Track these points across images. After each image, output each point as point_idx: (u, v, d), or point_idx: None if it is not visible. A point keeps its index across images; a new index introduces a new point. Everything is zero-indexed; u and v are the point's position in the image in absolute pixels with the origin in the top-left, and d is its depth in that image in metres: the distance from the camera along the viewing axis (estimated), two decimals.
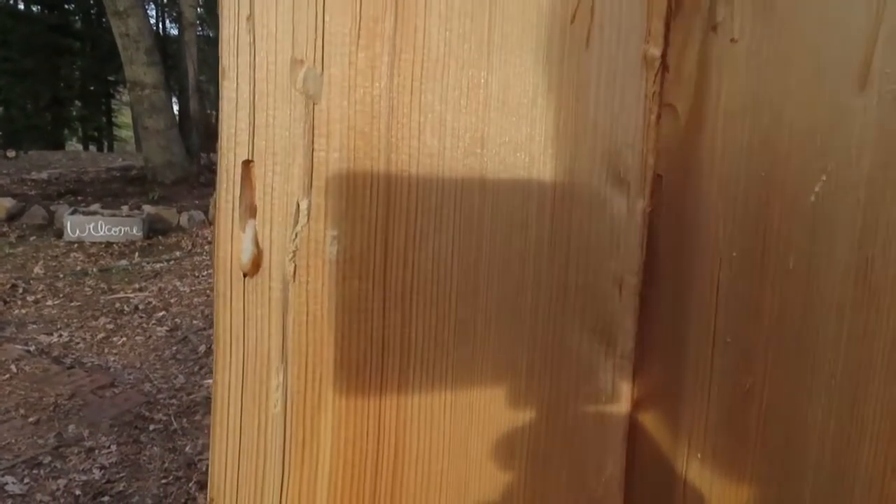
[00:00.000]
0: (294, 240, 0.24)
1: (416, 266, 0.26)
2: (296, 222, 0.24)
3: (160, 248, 6.52)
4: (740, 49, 0.25)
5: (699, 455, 0.27)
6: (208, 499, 0.27)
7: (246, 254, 0.24)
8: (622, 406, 0.30)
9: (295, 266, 0.24)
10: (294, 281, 0.24)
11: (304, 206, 0.24)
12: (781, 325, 0.26)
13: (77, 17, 24.82)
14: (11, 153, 10.95)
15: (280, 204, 0.24)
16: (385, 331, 0.25)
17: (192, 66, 10.40)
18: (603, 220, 0.28)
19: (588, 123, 0.27)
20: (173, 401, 3.29)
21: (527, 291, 0.27)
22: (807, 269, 0.26)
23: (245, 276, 0.24)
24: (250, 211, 0.24)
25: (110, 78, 26.18)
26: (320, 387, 0.25)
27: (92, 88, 26.44)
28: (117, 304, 4.75)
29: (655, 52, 0.28)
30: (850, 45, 0.24)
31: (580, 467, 0.29)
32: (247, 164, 0.24)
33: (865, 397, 0.25)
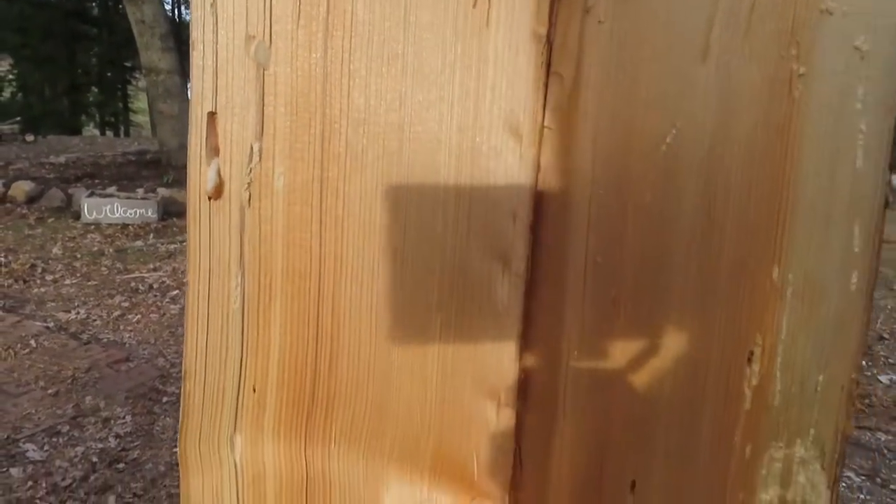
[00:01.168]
0: (249, 174, 0.32)
1: (346, 197, 0.34)
2: (250, 160, 0.32)
3: (174, 229, 6.61)
4: (605, 28, 0.33)
5: (576, 352, 0.36)
6: (182, 373, 0.35)
7: (211, 182, 0.32)
8: (516, 316, 0.38)
9: (249, 194, 0.32)
10: (249, 206, 0.32)
11: (256, 148, 0.32)
12: (641, 249, 0.34)
13: (94, 4, 25.06)
14: (30, 137, 11.15)
15: (237, 146, 0.32)
16: (322, 248, 0.33)
17: None
18: (500, 166, 0.35)
19: (488, 87, 0.34)
20: None
21: (438, 224, 0.35)
22: (661, 203, 0.33)
23: (210, 199, 0.32)
24: (214, 151, 0.32)
25: (126, 64, 26.44)
26: (270, 289, 0.33)
27: (109, 74, 26.70)
28: (132, 283, 4.90)
29: (542, 30, 0.35)
30: (693, 23, 0.32)
31: (482, 367, 0.36)
32: (211, 115, 0.32)
33: (713, 306, 0.33)
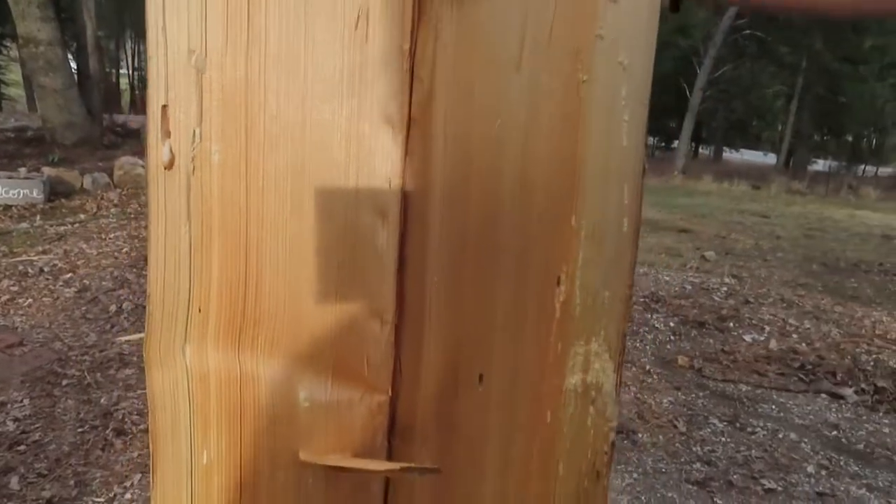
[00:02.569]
0: (192, 151, 0.44)
1: (265, 171, 0.46)
2: (193, 141, 0.44)
3: (63, 210, 6.34)
4: (450, 47, 0.47)
5: (436, 278, 0.51)
6: (147, 297, 0.48)
7: (165, 157, 0.43)
8: (392, 256, 0.51)
9: (193, 166, 0.44)
10: (193, 175, 0.44)
11: (197, 132, 0.44)
12: (480, 205, 0.47)
13: None
14: None
15: (184, 130, 0.43)
16: (248, 207, 0.44)
17: (90, 23, 9.81)
18: (379, 145, 0.48)
19: (368, 86, 0.48)
20: (85, 357, 3.34)
21: (334, 189, 0.48)
22: (493, 173, 0.48)
23: (165, 169, 0.45)
24: (167, 133, 0.43)
25: None
26: (210, 236, 0.44)
27: None
28: (20, 267, 4.66)
29: (406, 46, 0.47)
30: (510, 45, 0.46)
31: (370, 294, 0.46)
32: (164, 107, 0.44)
33: (532, 246, 0.48)
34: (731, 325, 4.54)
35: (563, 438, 0.46)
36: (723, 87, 25.33)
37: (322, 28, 0.41)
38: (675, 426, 3.07)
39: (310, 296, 0.42)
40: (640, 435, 2.96)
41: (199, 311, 0.42)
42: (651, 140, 44.78)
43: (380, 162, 0.42)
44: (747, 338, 4.29)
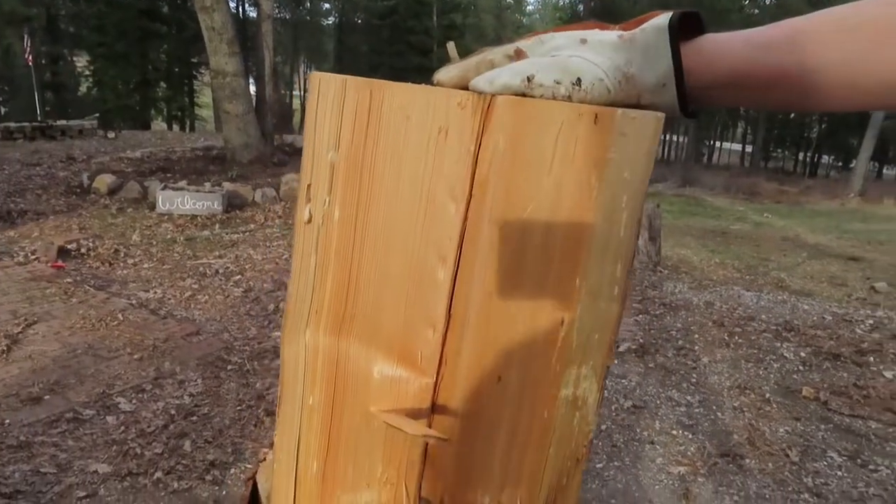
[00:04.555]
0: (323, 212, 0.56)
1: (366, 225, 0.60)
2: (324, 205, 0.56)
3: (237, 220, 7.12)
4: (501, 148, 0.67)
5: (476, 305, 0.73)
6: (287, 297, 0.73)
7: (306, 216, 0.56)
8: (447, 287, 0.64)
9: (322, 221, 0.56)
10: (322, 225, 0.56)
11: (327, 200, 0.56)
12: (511, 258, 0.56)
13: (164, 3, 25.97)
14: (111, 134, 11.86)
15: (319, 199, 0.56)
16: (353, 251, 0.61)
17: (268, 55, 10.95)
18: (445, 214, 0.65)
19: (444, 170, 0.66)
20: (246, 347, 3.84)
21: (410, 240, 0.70)
22: (522, 242, 0.68)
23: (305, 223, 0.57)
24: (308, 200, 0.56)
25: (193, 60, 27.09)
26: (327, 264, 0.56)
27: (176, 70, 27.27)
28: (201, 268, 5.38)
29: (472, 147, 0.59)
30: (545, 152, 0.62)
31: (427, 311, 0.55)
32: (308, 185, 0.59)
33: (545, 295, 0.63)
34: (871, 359, 4.19)
35: (555, 431, 0.59)
36: None
37: (415, 134, 0.54)
38: (788, 455, 2.96)
39: (388, 308, 0.57)
40: (746, 460, 2.90)
41: (316, 312, 0.60)
42: (826, 159, 40.56)
43: (445, 224, 0.54)
44: (888, 374, 3.94)
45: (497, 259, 0.54)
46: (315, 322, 0.61)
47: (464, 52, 0.65)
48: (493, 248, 0.53)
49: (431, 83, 0.62)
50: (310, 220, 0.59)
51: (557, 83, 0.53)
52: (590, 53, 0.56)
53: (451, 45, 0.69)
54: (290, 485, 0.70)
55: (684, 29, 0.56)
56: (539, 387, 0.59)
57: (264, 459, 0.84)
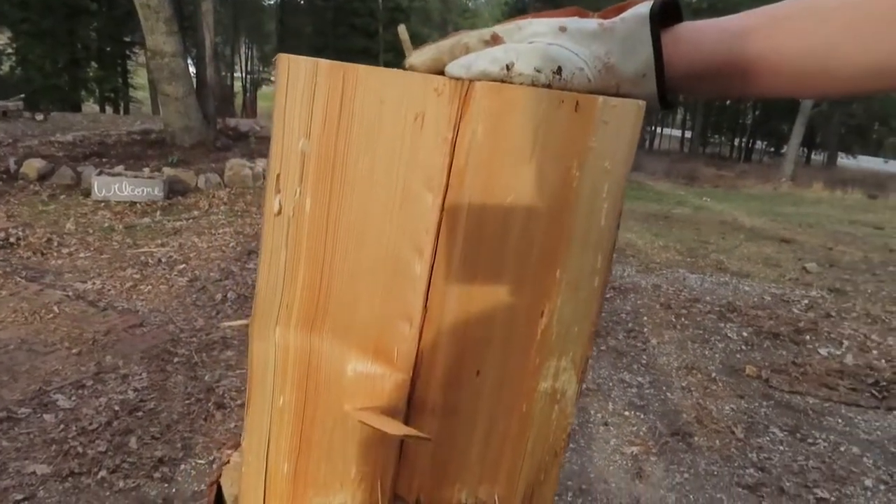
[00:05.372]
0: (293, 203, 0.53)
1: (338, 218, 0.56)
2: (294, 196, 0.53)
3: (179, 207, 6.92)
4: (480, 137, 0.64)
5: (454, 298, 0.71)
6: (255, 292, 0.69)
7: (276, 207, 0.53)
8: (424, 280, 0.64)
9: (293, 212, 0.53)
10: (292, 217, 0.53)
11: (298, 191, 0.52)
12: (490, 251, 0.52)
13: None
14: (40, 116, 11.23)
15: (290, 189, 0.53)
16: (325, 238, 0.62)
17: (208, 35, 10.61)
18: (421, 204, 0.57)
19: (419, 159, 0.62)
20: (194, 339, 3.74)
21: (385, 231, 0.67)
22: (501, 231, 0.63)
23: (275, 215, 0.54)
24: (278, 190, 0.53)
25: (126, 39, 25.96)
26: (298, 258, 0.54)
27: (108, 49, 26.01)
28: (142, 257, 5.20)
29: (449, 135, 0.57)
30: (526, 140, 0.58)
31: (404, 306, 0.53)
32: (278, 175, 0.55)
33: (525, 286, 0.62)
34: (807, 337, 4.42)
35: (533, 425, 0.58)
36: None
37: (389, 122, 0.51)
38: (734, 432, 3.10)
39: (363, 303, 0.55)
40: (695, 438, 3.02)
41: (287, 307, 0.57)
42: (759, 145, 42.32)
43: (421, 215, 0.52)
44: (822, 351, 4.17)
45: (475, 251, 0.52)
46: (285, 319, 0.58)
47: (411, 36, 0.63)
48: (471, 239, 0.52)
49: (403, 68, 0.59)
50: (279, 212, 0.56)
51: (538, 71, 0.51)
52: (569, 42, 0.55)
53: (402, 29, 0.67)
54: (259, 487, 0.68)
55: (663, 17, 0.55)
56: (518, 380, 0.58)
57: (228, 462, 0.80)
